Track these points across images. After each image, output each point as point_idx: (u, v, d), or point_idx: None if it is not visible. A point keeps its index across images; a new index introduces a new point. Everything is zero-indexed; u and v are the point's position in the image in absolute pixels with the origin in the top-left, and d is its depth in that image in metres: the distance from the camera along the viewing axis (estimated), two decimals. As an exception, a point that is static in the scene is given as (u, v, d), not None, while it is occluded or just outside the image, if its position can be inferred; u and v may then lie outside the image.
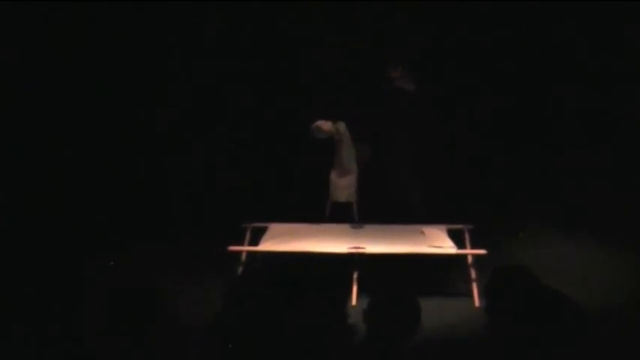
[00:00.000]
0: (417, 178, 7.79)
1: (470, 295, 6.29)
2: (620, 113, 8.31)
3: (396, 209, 7.66)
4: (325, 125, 7.46)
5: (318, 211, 7.63)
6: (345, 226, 7.25)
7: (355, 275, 6.18)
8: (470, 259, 6.49)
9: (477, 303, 6.18)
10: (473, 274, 6.37)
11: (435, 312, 5.53)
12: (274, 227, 7.09)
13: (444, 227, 7.07)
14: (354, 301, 5.71)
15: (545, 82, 8.49)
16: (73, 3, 7.91)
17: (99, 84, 8.15)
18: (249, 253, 6.70)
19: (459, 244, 6.76)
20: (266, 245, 6.74)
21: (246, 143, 8.59)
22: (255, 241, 6.86)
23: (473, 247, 6.75)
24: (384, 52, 8.14)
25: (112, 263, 6.79)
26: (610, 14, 8.14)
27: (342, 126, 7.55)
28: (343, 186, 7.58)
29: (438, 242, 6.71)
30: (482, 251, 6.49)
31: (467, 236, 6.90)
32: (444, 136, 8.46)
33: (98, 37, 8.11)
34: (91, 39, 8.09)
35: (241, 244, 6.79)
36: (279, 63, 8.52)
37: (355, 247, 6.51)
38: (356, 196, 7.64)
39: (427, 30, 8.39)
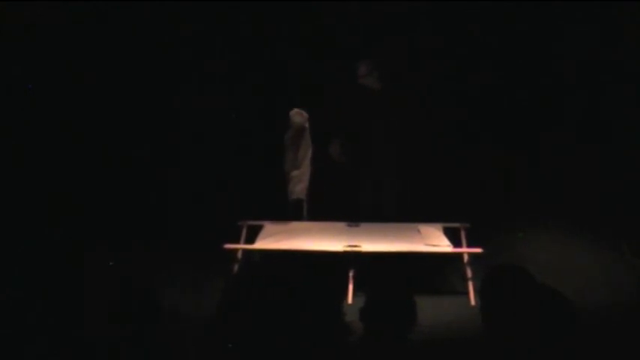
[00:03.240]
0: (392, 177, 7.69)
1: (466, 293, 6.31)
2: (622, 113, 8.31)
3: (368, 208, 7.65)
4: (303, 112, 7.41)
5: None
6: (341, 224, 7.24)
7: (351, 273, 6.19)
8: (466, 257, 6.50)
9: (472, 302, 6.20)
10: (469, 272, 6.39)
11: (430, 310, 5.56)
12: (270, 225, 7.09)
13: (440, 226, 7.08)
14: (349, 300, 5.73)
15: (546, 80, 8.49)
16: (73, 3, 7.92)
17: (98, 82, 8.14)
18: (245, 251, 6.71)
19: (456, 242, 6.78)
20: (262, 243, 6.73)
21: (241, 140, 8.59)
22: (251, 239, 6.87)
23: (469, 245, 6.76)
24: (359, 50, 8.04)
25: (111, 264, 6.79)
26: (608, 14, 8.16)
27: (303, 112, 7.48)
28: (303, 181, 7.47)
29: (434, 240, 6.72)
30: (478, 249, 6.50)
31: (463, 235, 6.91)
32: (439, 134, 8.47)
33: (97, 35, 8.11)
34: (88, 37, 8.10)
35: (237, 241, 6.81)
36: (265, 63, 8.54)
37: (351, 246, 6.53)
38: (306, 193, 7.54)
39: (411, 27, 8.39)
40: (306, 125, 7.43)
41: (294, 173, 7.45)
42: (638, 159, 8.07)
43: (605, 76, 8.29)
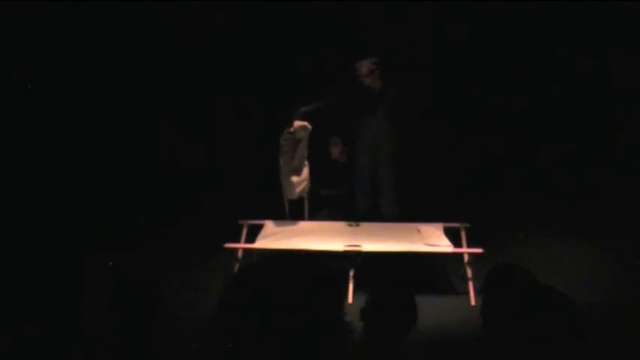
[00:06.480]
0: (392, 176, 7.70)
1: (466, 293, 6.31)
2: (622, 114, 8.31)
3: (368, 208, 7.64)
4: (307, 125, 7.35)
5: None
6: (342, 224, 7.24)
7: (351, 273, 6.20)
8: (466, 257, 6.50)
9: (472, 302, 6.19)
10: (469, 272, 6.39)
11: (431, 310, 5.56)
12: (271, 224, 7.09)
13: (440, 225, 7.07)
14: (350, 299, 5.74)
15: (547, 82, 8.49)
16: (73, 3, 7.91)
17: (99, 81, 8.14)
18: (245, 250, 6.71)
19: (456, 242, 6.77)
20: (262, 242, 6.73)
21: (242, 140, 8.59)
22: (251, 238, 6.86)
23: (469, 245, 6.75)
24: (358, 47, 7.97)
25: (110, 264, 6.78)
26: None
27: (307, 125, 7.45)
28: (299, 182, 7.38)
29: (434, 240, 6.71)
30: (478, 250, 6.49)
31: (463, 235, 6.90)
32: (440, 134, 8.47)
33: (96, 33, 8.11)
34: (88, 35, 8.10)
35: (238, 241, 6.81)
36: (277, 61, 8.54)
37: (351, 245, 6.53)
38: (307, 190, 7.49)
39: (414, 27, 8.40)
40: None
41: (294, 176, 7.44)
42: (638, 160, 8.08)
43: (607, 77, 8.29)
